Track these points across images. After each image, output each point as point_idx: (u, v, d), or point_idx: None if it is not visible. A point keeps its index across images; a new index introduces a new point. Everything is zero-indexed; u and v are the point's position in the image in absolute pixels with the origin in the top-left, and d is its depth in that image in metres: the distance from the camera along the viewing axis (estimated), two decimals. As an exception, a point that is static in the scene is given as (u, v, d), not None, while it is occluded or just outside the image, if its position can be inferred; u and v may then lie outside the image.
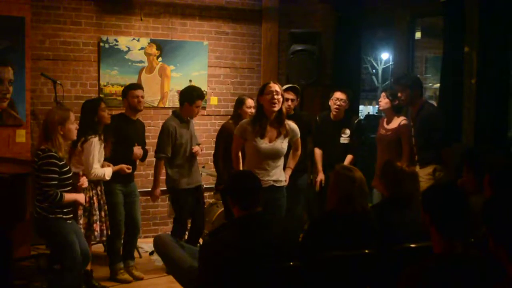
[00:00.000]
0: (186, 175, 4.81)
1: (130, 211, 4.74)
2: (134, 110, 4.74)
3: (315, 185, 5.22)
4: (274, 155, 3.98)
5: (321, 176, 5.17)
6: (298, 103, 5.15)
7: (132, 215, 4.76)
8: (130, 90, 4.73)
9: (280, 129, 3.98)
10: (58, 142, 3.66)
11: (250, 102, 4.94)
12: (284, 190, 4.15)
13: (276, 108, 3.93)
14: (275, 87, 3.93)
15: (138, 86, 4.87)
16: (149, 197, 5.18)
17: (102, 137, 4.36)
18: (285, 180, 4.16)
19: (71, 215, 3.84)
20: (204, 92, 5.90)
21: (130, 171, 4.57)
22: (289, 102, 4.95)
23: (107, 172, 4.34)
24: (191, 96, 4.78)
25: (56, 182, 3.63)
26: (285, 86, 5.08)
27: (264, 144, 3.92)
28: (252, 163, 3.95)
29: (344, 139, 5.17)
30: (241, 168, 4.13)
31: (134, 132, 4.77)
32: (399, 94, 4.85)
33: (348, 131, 5.17)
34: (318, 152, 5.29)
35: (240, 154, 4.17)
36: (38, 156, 3.65)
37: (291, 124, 4.12)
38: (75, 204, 3.91)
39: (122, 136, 4.62)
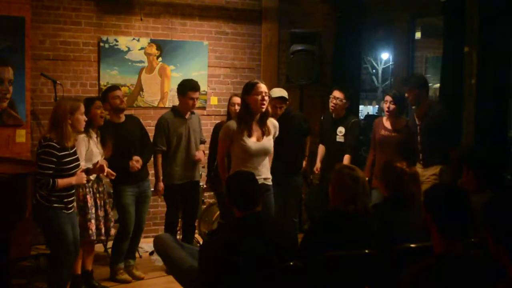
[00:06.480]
0: (178, 170, 4.79)
1: (137, 211, 4.71)
2: (118, 111, 4.62)
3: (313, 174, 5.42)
4: (263, 153, 3.98)
5: (317, 166, 5.40)
6: (289, 105, 5.05)
7: (138, 215, 4.73)
8: (109, 92, 4.62)
9: (264, 128, 3.99)
10: (66, 131, 3.63)
11: (234, 99, 4.90)
12: (271, 187, 4.15)
13: (264, 109, 3.95)
14: (264, 87, 3.93)
15: (115, 87, 4.79)
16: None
17: (92, 134, 4.27)
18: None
19: (71, 205, 3.79)
20: (204, 92, 5.91)
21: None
22: (278, 110, 4.82)
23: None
24: (183, 88, 4.77)
25: (51, 171, 3.59)
26: (275, 94, 4.83)
27: (253, 143, 3.92)
28: (241, 163, 3.93)
29: (339, 137, 5.18)
30: (226, 173, 4.10)
31: (122, 137, 4.56)
32: (406, 95, 4.83)
33: (343, 130, 5.16)
34: (321, 147, 5.41)
35: (225, 159, 4.14)
36: (39, 143, 3.67)
37: (273, 121, 4.12)
38: (75, 193, 3.88)
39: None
